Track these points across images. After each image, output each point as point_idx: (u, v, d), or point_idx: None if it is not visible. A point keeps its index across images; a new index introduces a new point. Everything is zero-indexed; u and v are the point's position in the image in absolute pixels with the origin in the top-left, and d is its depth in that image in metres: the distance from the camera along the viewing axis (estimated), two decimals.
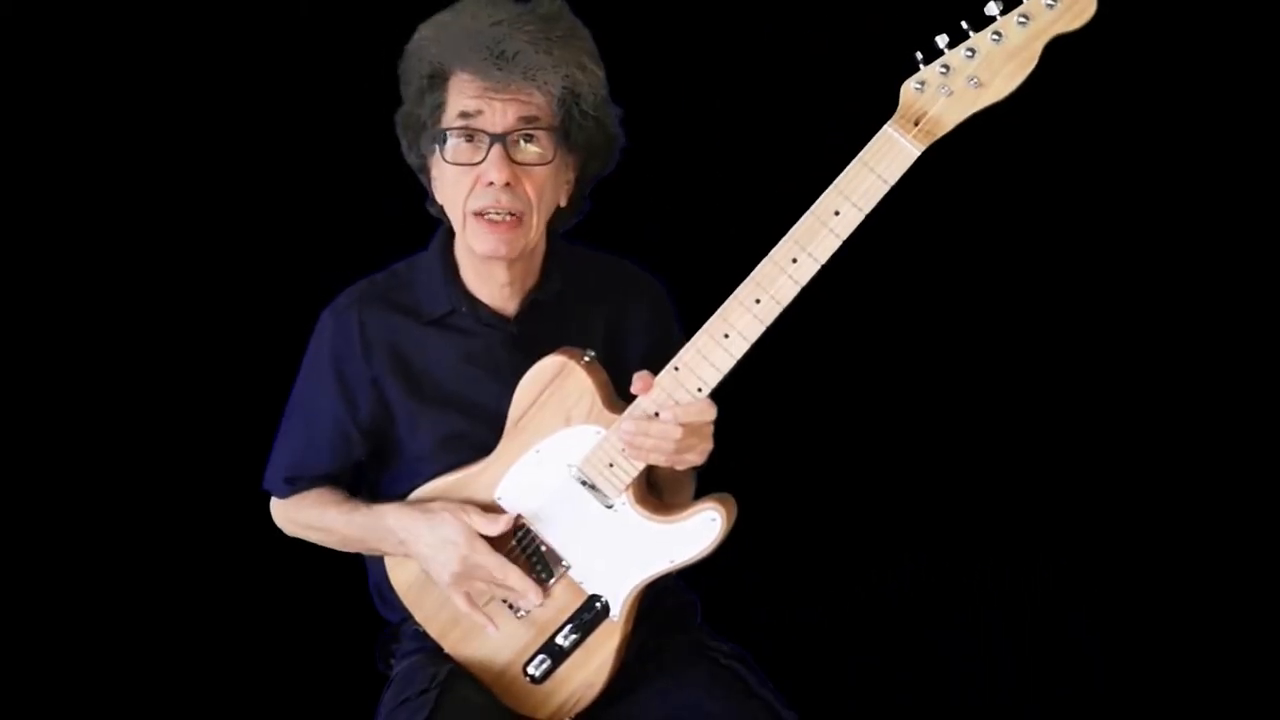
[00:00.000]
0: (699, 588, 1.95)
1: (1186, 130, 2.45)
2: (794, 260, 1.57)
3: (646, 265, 1.94)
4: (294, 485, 1.88)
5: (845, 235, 1.55)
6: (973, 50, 1.48)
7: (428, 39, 1.72)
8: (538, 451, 1.73)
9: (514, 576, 1.73)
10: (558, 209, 1.81)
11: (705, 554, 1.71)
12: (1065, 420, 2.63)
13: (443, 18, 1.73)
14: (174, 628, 2.54)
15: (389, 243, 1.90)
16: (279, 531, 1.94)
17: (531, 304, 1.82)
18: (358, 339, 1.81)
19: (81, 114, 2.43)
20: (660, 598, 1.88)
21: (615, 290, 1.89)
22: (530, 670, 1.79)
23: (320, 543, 1.90)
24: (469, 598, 1.76)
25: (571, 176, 1.81)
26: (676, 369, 1.64)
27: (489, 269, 1.79)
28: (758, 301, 1.60)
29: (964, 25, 1.49)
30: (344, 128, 1.88)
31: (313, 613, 2.47)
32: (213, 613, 2.55)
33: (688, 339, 1.64)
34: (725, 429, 1.72)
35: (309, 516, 1.89)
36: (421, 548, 1.76)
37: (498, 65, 1.66)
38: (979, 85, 1.48)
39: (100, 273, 2.49)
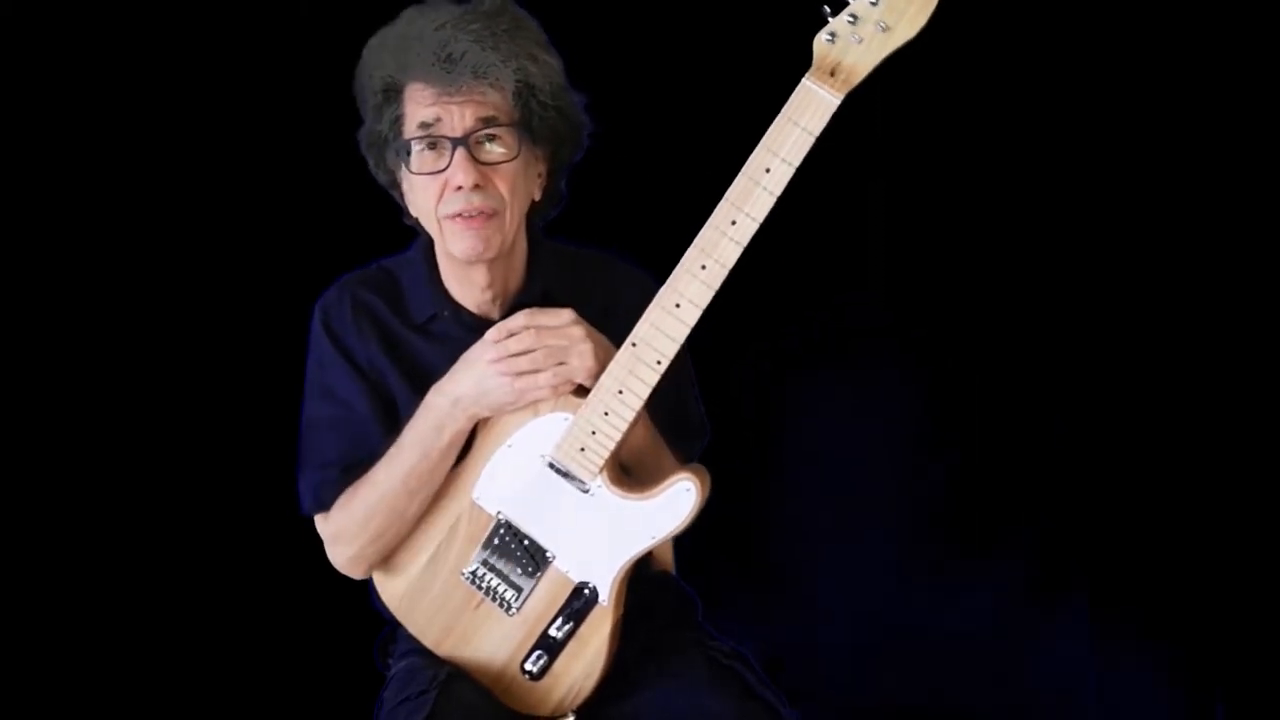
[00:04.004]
0: (699, 587, 1.97)
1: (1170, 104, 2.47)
2: (733, 222, 1.61)
3: (635, 260, 1.96)
4: (351, 472, 1.79)
5: (779, 191, 1.59)
6: None
7: (375, 54, 1.76)
8: (510, 446, 1.75)
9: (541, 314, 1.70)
10: (533, 203, 1.83)
11: (684, 525, 1.72)
12: (1058, 407, 2.64)
13: (387, 31, 1.76)
14: (173, 627, 2.53)
15: (383, 244, 1.93)
16: (277, 531, 1.92)
17: (515, 306, 1.83)
18: (351, 321, 1.83)
19: (79, 117, 2.45)
20: (661, 596, 1.90)
21: (602, 286, 1.90)
22: (528, 667, 1.79)
23: (385, 525, 1.77)
24: (553, 388, 1.70)
25: (543, 169, 1.83)
26: (634, 345, 1.67)
27: (469, 273, 1.81)
28: (703, 267, 1.63)
29: None
30: (338, 130, 1.93)
31: (312, 612, 2.45)
32: (212, 612, 2.54)
33: None
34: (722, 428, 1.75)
35: (360, 495, 1.77)
36: (463, 385, 1.71)
37: (446, 69, 1.68)
38: (886, 29, 1.54)
39: (90, 276, 2.51)
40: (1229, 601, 2.53)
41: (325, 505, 1.82)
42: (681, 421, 1.89)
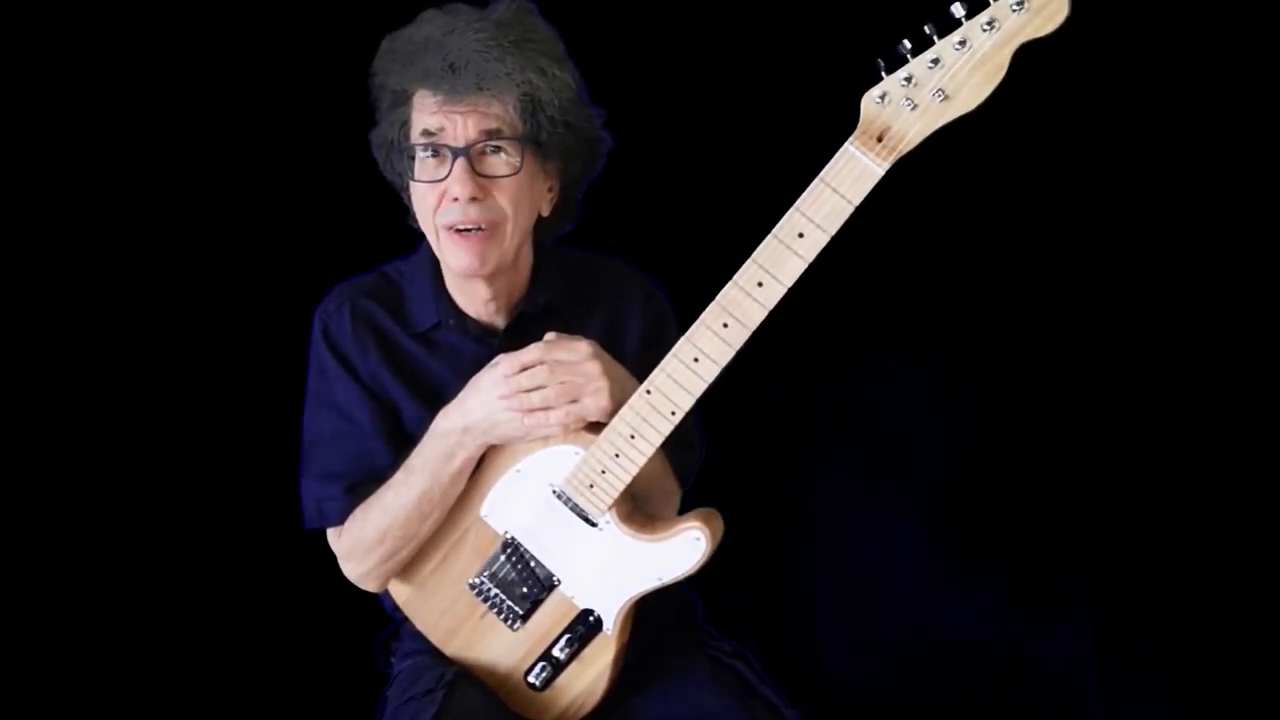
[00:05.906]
0: (700, 587, 1.93)
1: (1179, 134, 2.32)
2: (759, 284, 1.50)
3: (636, 263, 1.89)
4: (356, 493, 1.75)
5: (811, 257, 1.46)
6: (937, 59, 1.36)
7: (387, 56, 1.68)
8: (519, 471, 1.71)
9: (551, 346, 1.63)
10: (542, 218, 1.76)
11: (693, 571, 1.68)
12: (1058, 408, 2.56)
13: (402, 33, 1.67)
14: (173, 626, 2.55)
15: (388, 247, 1.87)
16: (278, 529, 1.92)
17: (519, 317, 1.78)
18: (351, 331, 1.79)
19: (82, 120, 2.39)
20: (662, 598, 1.86)
21: (608, 292, 1.84)
22: (531, 679, 1.79)
23: (398, 547, 1.73)
24: (563, 426, 1.64)
25: (554, 184, 1.75)
26: (648, 392, 1.59)
27: (470, 285, 1.75)
28: (725, 326, 1.53)
29: (927, 30, 1.36)
30: (343, 132, 1.86)
31: (313, 611, 2.45)
32: (213, 611, 2.55)
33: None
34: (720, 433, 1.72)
35: (372, 519, 1.73)
36: (473, 414, 1.66)
37: (450, 78, 1.61)
38: (945, 98, 1.37)
39: (93, 278, 2.47)
40: (1229, 603, 2.48)
41: (327, 520, 1.79)
42: (678, 434, 1.81)
